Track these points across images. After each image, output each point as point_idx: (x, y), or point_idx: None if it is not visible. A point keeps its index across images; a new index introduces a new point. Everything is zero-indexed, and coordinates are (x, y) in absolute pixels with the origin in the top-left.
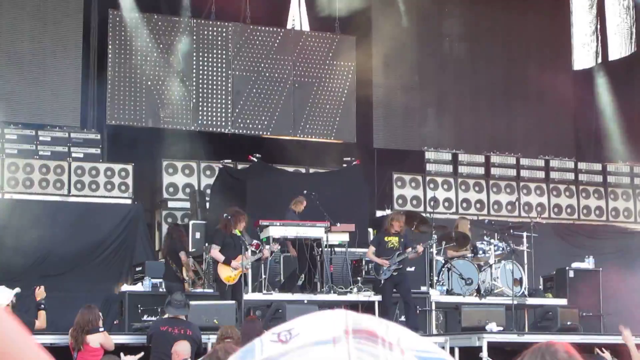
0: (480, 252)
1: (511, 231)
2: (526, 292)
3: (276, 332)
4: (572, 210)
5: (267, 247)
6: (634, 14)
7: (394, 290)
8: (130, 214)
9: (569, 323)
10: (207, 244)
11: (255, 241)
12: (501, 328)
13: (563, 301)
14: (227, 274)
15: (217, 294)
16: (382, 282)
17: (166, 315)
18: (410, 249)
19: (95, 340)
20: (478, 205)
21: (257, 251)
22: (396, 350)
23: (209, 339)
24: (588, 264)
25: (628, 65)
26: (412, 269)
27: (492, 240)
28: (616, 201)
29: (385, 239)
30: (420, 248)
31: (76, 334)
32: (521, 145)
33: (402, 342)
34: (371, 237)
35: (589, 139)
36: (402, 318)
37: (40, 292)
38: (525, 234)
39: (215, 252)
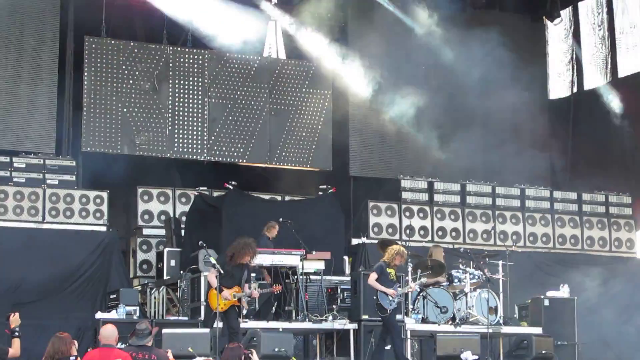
0: (456, 280)
1: (487, 259)
2: (501, 321)
3: None
4: (548, 238)
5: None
6: (609, 44)
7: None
8: (105, 241)
9: (544, 352)
10: (182, 272)
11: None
12: (476, 357)
13: (538, 330)
14: (216, 301)
15: (192, 321)
16: (388, 312)
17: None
18: (410, 285)
19: None
20: (454, 234)
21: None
22: None
23: None
24: (563, 292)
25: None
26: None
27: (467, 269)
28: (591, 230)
29: (387, 269)
30: (414, 286)
31: None
32: (497, 174)
33: None
34: (347, 265)
35: (564, 168)
36: (387, 347)
37: (14, 319)
38: (500, 262)
39: (211, 276)
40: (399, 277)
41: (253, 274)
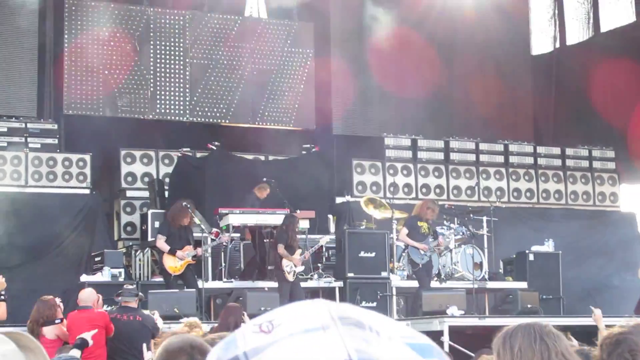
0: (440, 236)
1: (471, 215)
2: (486, 276)
3: (257, 323)
4: (532, 194)
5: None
6: None
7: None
8: (88, 204)
9: (529, 306)
10: None
11: (214, 229)
12: (462, 312)
13: (523, 284)
14: (172, 264)
15: (179, 283)
16: (420, 266)
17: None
18: (431, 239)
19: (51, 332)
20: (437, 191)
21: (217, 239)
22: (384, 336)
23: (170, 328)
24: (548, 247)
25: (586, 49)
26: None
27: (452, 225)
28: (575, 184)
29: (419, 223)
30: (442, 240)
31: (32, 326)
32: (480, 130)
33: (386, 328)
34: (331, 224)
35: (547, 123)
36: (363, 304)
37: (0, 283)
38: (485, 218)
39: (160, 242)
40: (434, 230)
41: (237, 234)
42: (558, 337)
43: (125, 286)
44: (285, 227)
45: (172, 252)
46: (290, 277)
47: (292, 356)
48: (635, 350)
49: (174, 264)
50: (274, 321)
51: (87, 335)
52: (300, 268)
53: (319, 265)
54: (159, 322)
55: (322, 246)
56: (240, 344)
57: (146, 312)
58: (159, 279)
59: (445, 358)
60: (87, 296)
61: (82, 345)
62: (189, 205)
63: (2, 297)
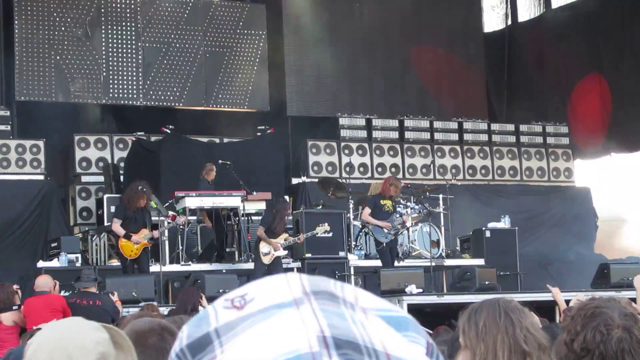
0: (397, 215)
1: (427, 194)
2: (444, 254)
3: (229, 298)
4: (487, 171)
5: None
6: None
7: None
8: (43, 190)
9: (487, 282)
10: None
11: (171, 213)
12: (421, 290)
13: (480, 261)
14: (128, 248)
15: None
16: (384, 245)
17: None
18: (397, 216)
19: (9, 318)
20: (393, 170)
21: (174, 222)
22: (358, 309)
23: (129, 312)
24: (504, 223)
25: (538, 25)
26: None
27: (408, 204)
28: (529, 161)
29: (382, 202)
30: (405, 218)
31: None
32: (434, 108)
33: (361, 301)
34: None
35: (500, 100)
36: None
37: None
38: (441, 196)
39: (116, 226)
40: (397, 206)
41: (193, 217)
42: (523, 312)
43: (83, 271)
44: (274, 211)
45: (127, 237)
46: (266, 260)
47: (264, 332)
48: (611, 325)
49: (130, 248)
50: (247, 296)
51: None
52: (282, 252)
53: (294, 243)
54: (119, 305)
55: (317, 234)
56: (212, 320)
57: (105, 294)
58: (116, 264)
59: (421, 331)
60: (44, 282)
61: None
62: (144, 189)
63: None
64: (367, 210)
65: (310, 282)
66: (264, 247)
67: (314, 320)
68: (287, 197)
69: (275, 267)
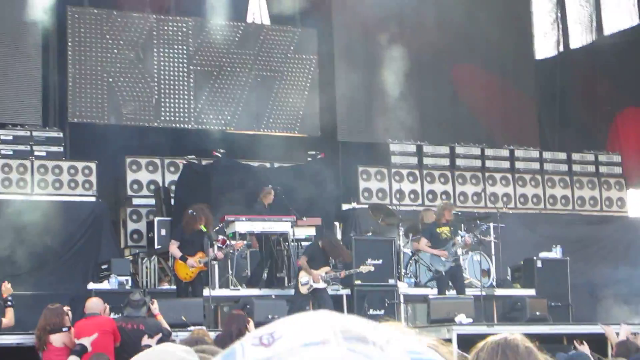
0: (460, 236)
1: (478, 222)
2: (494, 283)
3: (257, 336)
4: (538, 199)
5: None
6: (593, 2)
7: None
8: (94, 212)
9: (538, 313)
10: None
11: (221, 237)
12: (470, 320)
13: (531, 291)
14: (184, 270)
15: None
16: (443, 273)
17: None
18: (459, 238)
19: (59, 340)
20: (444, 197)
21: (224, 247)
22: (387, 351)
23: (177, 336)
24: (555, 253)
25: (590, 53)
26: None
27: (459, 232)
28: (582, 190)
29: (437, 229)
30: (468, 238)
31: (40, 334)
32: (485, 135)
33: (392, 343)
34: (337, 231)
35: (553, 127)
36: (371, 311)
37: (7, 289)
38: (492, 224)
39: (173, 247)
40: (456, 230)
41: (243, 241)
42: (527, 352)
43: (130, 297)
44: (319, 243)
45: (183, 259)
46: (304, 290)
47: None
48: None
49: (186, 271)
50: (275, 333)
51: (87, 341)
52: (321, 285)
53: (336, 277)
54: (163, 322)
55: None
56: (239, 357)
57: (151, 317)
58: (166, 287)
59: None
60: (95, 304)
61: (81, 351)
62: (194, 212)
63: (10, 303)
64: (424, 241)
65: (340, 322)
66: (303, 277)
67: None
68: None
69: (317, 298)
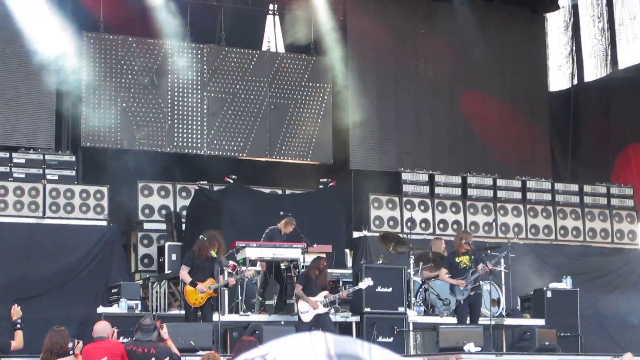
0: (481, 266)
1: (488, 252)
2: (504, 313)
3: (249, 358)
4: (549, 230)
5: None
6: (608, 36)
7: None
8: (105, 236)
9: (547, 343)
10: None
11: (231, 263)
12: (479, 348)
13: (541, 321)
14: (193, 296)
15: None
16: (462, 302)
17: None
18: (481, 266)
19: None
20: (455, 226)
21: (234, 273)
22: None
23: None
24: (565, 284)
25: (604, 86)
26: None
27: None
28: (593, 222)
29: (457, 259)
30: (486, 267)
31: (46, 356)
32: (497, 166)
33: None
34: (348, 259)
35: (565, 159)
36: (380, 339)
37: (16, 311)
38: (503, 254)
39: (183, 272)
40: (477, 259)
41: (253, 267)
42: None
43: (141, 321)
44: (307, 269)
45: (193, 284)
46: (306, 318)
47: None
48: None
49: (195, 296)
50: (268, 356)
51: None
52: (322, 310)
53: (336, 299)
54: (173, 347)
55: (360, 289)
56: None
57: (161, 341)
58: (176, 312)
59: None
60: (103, 328)
61: None
62: (206, 239)
63: (19, 326)
64: (444, 271)
65: (334, 344)
66: (302, 306)
67: None
68: (348, 256)
69: (319, 324)
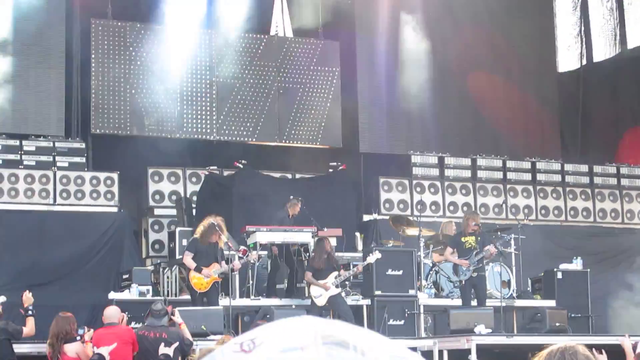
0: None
1: (499, 233)
2: (514, 294)
3: (238, 342)
4: (560, 211)
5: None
6: (617, 15)
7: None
8: (116, 222)
9: (557, 324)
10: None
11: (242, 247)
12: (490, 330)
13: (551, 302)
14: (199, 281)
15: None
16: (463, 282)
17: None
18: (486, 248)
19: (72, 349)
20: (465, 208)
21: (245, 257)
22: (369, 356)
23: (197, 345)
24: (576, 265)
25: (613, 66)
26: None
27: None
28: (603, 202)
29: (462, 239)
30: (492, 249)
31: (53, 342)
32: (507, 147)
33: (375, 348)
34: (359, 242)
35: (574, 140)
36: (391, 321)
37: (27, 298)
38: (513, 236)
39: (187, 259)
40: (483, 240)
41: (264, 252)
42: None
43: (152, 306)
44: (312, 254)
45: (198, 270)
46: (320, 302)
47: None
48: None
49: (200, 281)
50: (256, 340)
51: (105, 351)
52: (335, 291)
53: (347, 282)
54: (186, 332)
55: (370, 263)
56: None
57: (173, 326)
58: (187, 297)
59: None
60: (112, 313)
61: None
62: (216, 224)
63: (30, 312)
64: (449, 250)
65: (322, 328)
66: (314, 291)
67: None
68: (358, 239)
69: (332, 305)
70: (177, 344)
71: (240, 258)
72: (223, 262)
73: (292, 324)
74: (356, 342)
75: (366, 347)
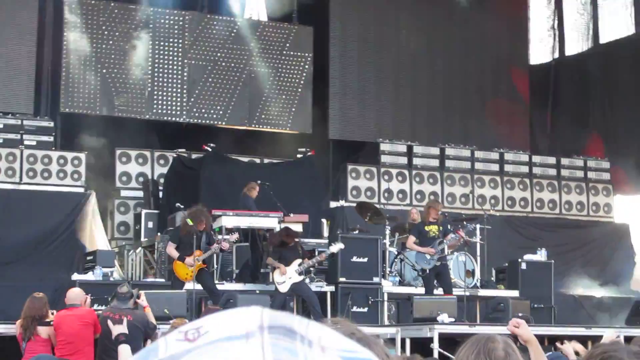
0: (452, 236)
1: (464, 223)
2: (478, 284)
3: (183, 331)
4: (526, 202)
5: (224, 237)
6: (591, 10)
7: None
8: (82, 203)
9: (520, 314)
10: (159, 233)
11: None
12: (453, 319)
13: (515, 293)
14: (183, 271)
15: (168, 283)
16: (427, 271)
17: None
18: (450, 236)
19: (45, 331)
20: (432, 197)
21: (228, 237)
22: (316, 348)
23: (159, 329)
24: (540, 256)
25: (584, 60)
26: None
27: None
28: (569, 194)
29: (426, 228)
30: (461, 232)
31: (26, 323)
32: (476, 138)
33: (324, 340)
34: (325, 228)
35: (543, 132)
36: (355, 309)
37: None
38: (478, 225)
39: (170, 249)
40: (445, 229)
41: (229, 236)
42: (507, 353)
43: (118, 289)
44: (275, 242)
45: (181, 259)
46: (283, 289)
47: None
48: None
49: (185, 270)
50: (201, 328)
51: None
52: (297, 278)
53: (311, 269)
54: (150, 316)
55: (333, 253)
56: (161, 352)
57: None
58: (151, 279)
59: None
60: (75, 295)
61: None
62: (187, 218)
63: None
64: (412, 239)
65: (269, 317)
66: (277, 277)
67: (260, 354)
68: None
69: (297, 291)
70: (128, 317)
71: (224, 239)
72: (215, 245)
73: (240, 313)
74: (304, 333)
75: (315, 338)
